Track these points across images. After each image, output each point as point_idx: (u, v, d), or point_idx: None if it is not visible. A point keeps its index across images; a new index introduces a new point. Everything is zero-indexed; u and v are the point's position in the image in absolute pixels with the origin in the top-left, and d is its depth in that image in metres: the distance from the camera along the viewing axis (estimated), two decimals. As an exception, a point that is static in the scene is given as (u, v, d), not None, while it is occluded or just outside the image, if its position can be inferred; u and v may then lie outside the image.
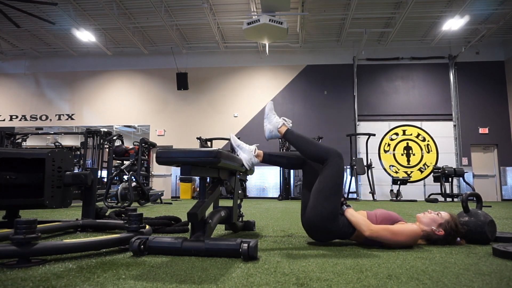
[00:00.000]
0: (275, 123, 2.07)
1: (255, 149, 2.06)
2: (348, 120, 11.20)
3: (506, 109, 10.99)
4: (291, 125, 2.09)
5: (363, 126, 11.18)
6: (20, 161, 2.10)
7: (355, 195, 10.10)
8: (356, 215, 1.88)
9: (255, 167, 2.11)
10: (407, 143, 11.13)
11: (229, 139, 9.21)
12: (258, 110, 11.55)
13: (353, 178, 10.02)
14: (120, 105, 12.13)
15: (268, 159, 2.08)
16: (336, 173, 1.89)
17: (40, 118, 12.36)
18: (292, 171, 10.48)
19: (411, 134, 11.16)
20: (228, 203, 2.14)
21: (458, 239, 1.92)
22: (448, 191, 9.35)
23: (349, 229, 1.86)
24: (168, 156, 1.58)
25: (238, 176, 2.22)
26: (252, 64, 11.95)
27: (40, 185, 2.10)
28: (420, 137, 11.13)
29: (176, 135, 11.73)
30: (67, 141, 15.17)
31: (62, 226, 2.25)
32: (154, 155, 1.68)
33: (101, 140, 7.45)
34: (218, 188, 1.93)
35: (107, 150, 7.23)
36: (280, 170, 10.33)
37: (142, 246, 1.57)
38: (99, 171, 7.39)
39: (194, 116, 11.79)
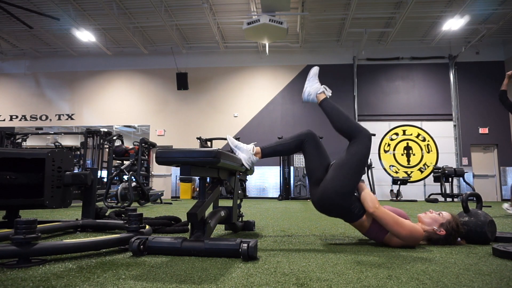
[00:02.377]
0: (316, 88, 2.09)
1: (253, 147, 2.05)
2: (348, 120, 11.19)
3: (506, 109, 10.98)
4: (330, 95, 2.09)
5: (363, 126, 11.16)
6: (20, 161, 2.10)
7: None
8: (368, 190, 1.89)
9: (255, 166, 2.10)
10: (407, 143, 11.13)
11: (229, 139, 9.15)
12: (258, 110, 11.55)
13: (353, 178, 10.01)
14: (120, 105, 12.13)
15: (267, 153, 2.06)
16: (362, 152, 1.90)
17: (40, 118, 12.36)
18: (292, 171, 10.48)
19: (411, 134, 11.16)
20: (228, 203, 2.14)
21: (459, 239, 1.92)
22: (448, 191, 9.35)
23: (359, 211, 1.85)
24: (167, 156, 1.58)
25: (238, 176, 2.22)
26: (252, 64, 11.95)
27: (40, 185, 2.10)
28: (420, 137, 11.12)
29: (176, 135, 11.73)
30: (67, 141, 15.16)
31: (62, 226, 2.25)
32: (154, 155, 1.68)
33: (101, 140, 7.44)
34: (217, 188, 1.93)
35: (107, 150, 7.23)
36: (280, 170, 10.32)
37: (141, 246, 1.57)
38: (99, 171, 7.38)
39: (194, 116, 11.79)
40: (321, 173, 1.93)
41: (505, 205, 4.56)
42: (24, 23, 6.44)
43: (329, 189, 1.84)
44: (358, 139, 1.93)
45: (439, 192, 9.22)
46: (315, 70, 2.15)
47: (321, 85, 2.11)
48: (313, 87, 2.09)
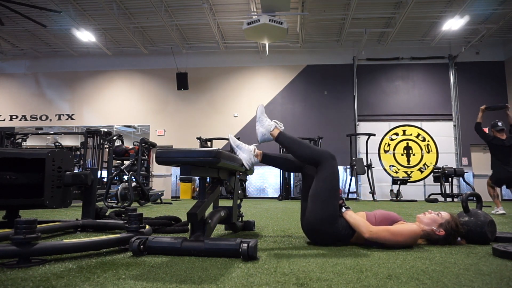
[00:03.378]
0: (267, 126, 2.07)
1: (254, 148, 2.06)
2: (348, 120, 11.20)
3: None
4: (283, 127, 2.09)
5: (363, 126, 11.17)
6: (20, 161, 2.10)
7: (355, 195, 10.09)
8: (355, 216, 1.88)
9: (255, 167, 2.11)
10: (407, 143, 11.13)
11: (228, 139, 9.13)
12: (258, 110, 11.54)
13: (353, 178, 10.01)
14: (120, 105, 12.13)
15: (267, 160, 2.08)
16: (331, 175, 1.89)
17: (40, 118, 12.36)
18: (292, 171, 10.47)
19: (411, 134, 11.15)
20: (228, 203, 2.14)
21: (459, 239, 1.92)
22: (448, 191, 9.34)
23: (349, 231, 1.86)
24: (167, 156, 1.59)
25: (238, 176, 2.22)
26: (252, 64, 11.95)
27: (40, 185, 2.10)
28: (420, 137, 11.12)
29: (176, 135, 11.73)
30: (67, 141, 15.16)
31: (62, 226, 2.25)
32: (154, 155, 1.68)
33: (101, 140, 7.44)
34: (217, 188, 1.93)
35: (107, 150, 7.23)
36: (280, 170, 10.32)
37: (141, 246, 1.57)
38: (99, 171, 7.38)
39: (194, 116, 11.79)
40: (307, 202, 1.96)
41: (493, 211, 4.83)
42: (37, 22, 6.48)
43: (311, 221, 1.86)
44: (323, 164, 1.92)
45: (439, 192, 9.22)
46: (261, 108, 2.13)
47: (272, 120, 2.09)
48: (264, 126, 2.07)
